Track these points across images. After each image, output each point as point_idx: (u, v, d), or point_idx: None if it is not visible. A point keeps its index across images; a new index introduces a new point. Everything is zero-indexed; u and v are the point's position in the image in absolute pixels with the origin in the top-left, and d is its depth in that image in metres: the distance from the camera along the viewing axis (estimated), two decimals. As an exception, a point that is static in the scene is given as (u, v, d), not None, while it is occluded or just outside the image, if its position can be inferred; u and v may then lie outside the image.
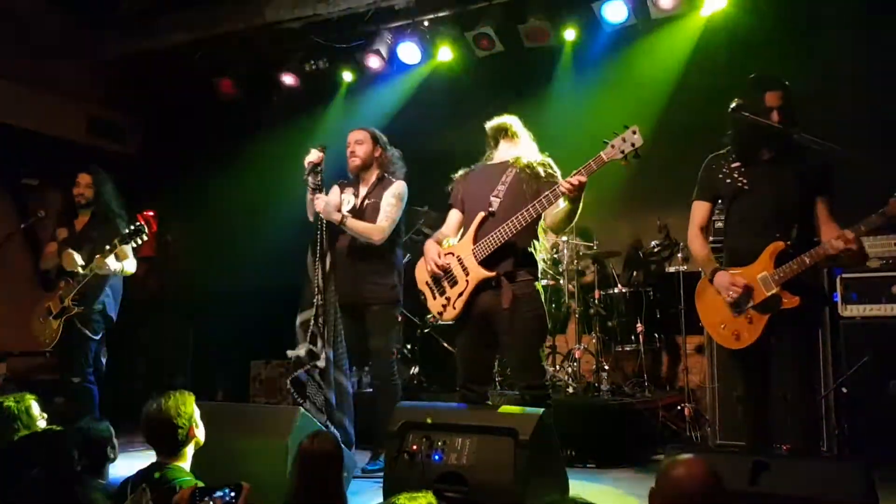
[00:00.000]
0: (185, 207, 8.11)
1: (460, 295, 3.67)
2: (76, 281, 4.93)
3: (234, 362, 7.37)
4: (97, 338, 5.04)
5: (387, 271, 4.55)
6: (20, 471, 1.84)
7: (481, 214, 3.71)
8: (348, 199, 4.61)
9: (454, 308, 3.70)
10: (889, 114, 5.36)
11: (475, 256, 3.65)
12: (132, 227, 4.89)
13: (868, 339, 4.63)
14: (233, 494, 2.19)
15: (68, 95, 7.58)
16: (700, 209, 3.61)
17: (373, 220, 4.48)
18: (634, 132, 3.34)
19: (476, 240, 3.69)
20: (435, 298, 3.80)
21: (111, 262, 4.95)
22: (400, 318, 6.58)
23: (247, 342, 7.30)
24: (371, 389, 4.69)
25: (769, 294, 3.28)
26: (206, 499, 2.15)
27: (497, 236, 3.60)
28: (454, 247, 3.78)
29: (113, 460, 3.21)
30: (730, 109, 3.45)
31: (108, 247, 4.88)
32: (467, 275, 3.66)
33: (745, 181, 3.42)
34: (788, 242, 3.29)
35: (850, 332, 4.73)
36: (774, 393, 3.40)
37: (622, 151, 3.34)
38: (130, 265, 5.15)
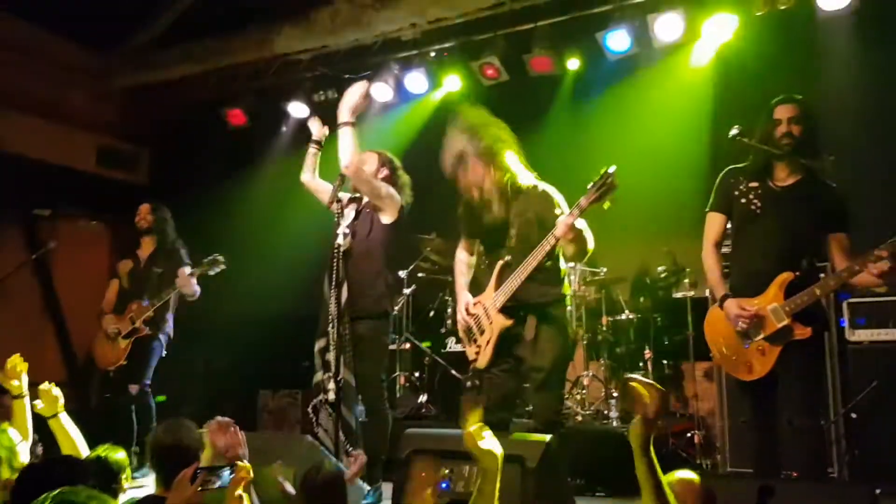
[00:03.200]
0: (194, 236, 8.15)
1: (488, 343, 3.74)
2: (151, 304, 5.38)
3: (242, 391, 7.37)
4: (159, 357, 5.54)
5: (374, 279, 4.38)
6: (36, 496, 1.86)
7: (500, 263, 3.74)
8: (349, 215, 4.52)
9: (486, 355, 3.77)
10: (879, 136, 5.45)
11: (496, 305, 3.71)
12: (212, 257, 5.48)
13: (876, 364, 4.61)
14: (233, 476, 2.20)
15: (78, 125, 7.68)
16: (715, 222, 3.56)
17: (363, 231, 4.36)
18: (608, 176, 3.30)
19: (497, 287, 3.74)
20: (469, 346, 3.88)
21: (194, 285, 5.44)
22: (407, 346, 6.65)
23: (255, 371, 7.31)
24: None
25: (780, 325, 3.27)
26: (208, 475, 2.15)
27: (511, 284, 3.65)
28: (482, 296, 3.85)
29: (125, 490, 3.21)
30: (729, 136, 3.47)
31: (194, 269, 5.44)
32: (491, 323, 3.73)
33: (758, 205, 3.39)
34: (798, 273, 3.27)
35: (857, 358, 4.71)
36: (781, 419, 3.38)
37: (601, 196, 3.31)
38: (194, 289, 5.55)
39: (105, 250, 8.23)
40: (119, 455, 3.01)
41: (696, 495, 2.08)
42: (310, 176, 4.62)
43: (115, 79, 7.84)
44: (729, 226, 3.63)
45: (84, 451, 3.22)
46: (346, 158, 4.15)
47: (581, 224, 3.45)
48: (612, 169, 3.26)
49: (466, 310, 3.84)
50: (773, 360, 3.29)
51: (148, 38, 7.59)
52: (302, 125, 7.59)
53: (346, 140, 4.15)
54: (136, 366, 5.46)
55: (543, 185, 3.77)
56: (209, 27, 7.20)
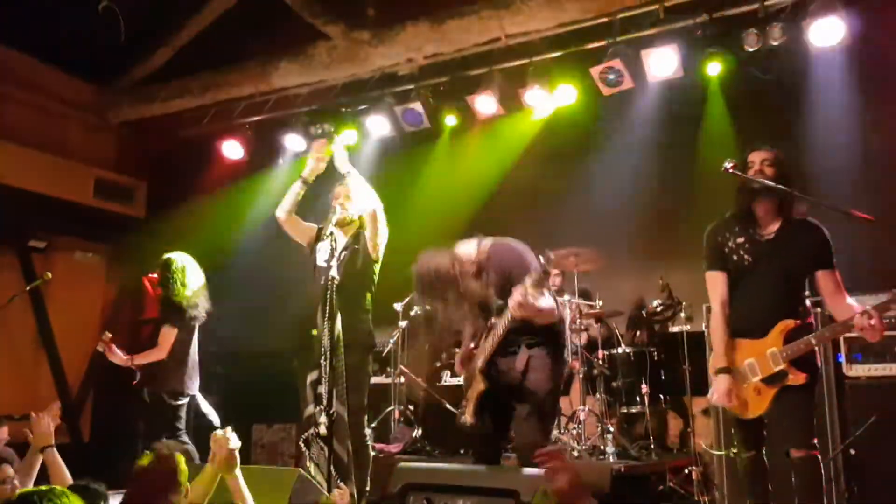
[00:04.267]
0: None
1: (471, 400, 3.97)
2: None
3: (235, 425, 7.29)
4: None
5: (364, 314, 4.50)
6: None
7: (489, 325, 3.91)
8: (324, 248, 4.53)
9: (469, 411, 3.99)
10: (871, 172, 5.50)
11: (480, 367, 3.91)
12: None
13: (874, 399, 4.59)
14: None
15: (75, 158, 7.72)
16: (718, 281, 3.62)
17: (353, 266, 4.45)
18: (547, 259, 3.49)
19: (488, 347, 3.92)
20: (464, 398, 4.09)
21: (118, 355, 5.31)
22: (402, 380, 6.61)
23: (249, 405, 7.24)
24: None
25: (776, 369, 3.39)
26: None
27: (490, 344, 3.85)
28: (478, 350, 3.99)
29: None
30: (723, 169, 3.55)
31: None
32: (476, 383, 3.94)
33: (749, 258, 3.52)
34: (798, 322, 3.40)
35: (855, 393, 4.69)
36: (773, 455, 3.48)
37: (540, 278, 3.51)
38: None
39: (100, 282, 8.22)
40: (99, 487, 2.97)
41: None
42: (286, 216, 4.64)
43: (112, 112, 7.90)
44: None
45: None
46: (373, 203, 4.43)
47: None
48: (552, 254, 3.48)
49: (461, 361, 4.08)
50: (768, 401, 3.42)
51: (146, 72, 7.66)
52: (299, 158, 7.66)
53: (365, 184, 4.46)
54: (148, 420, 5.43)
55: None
56: (207, 61, 7.27)
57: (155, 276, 5.70)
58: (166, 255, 5.58)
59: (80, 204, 7.74)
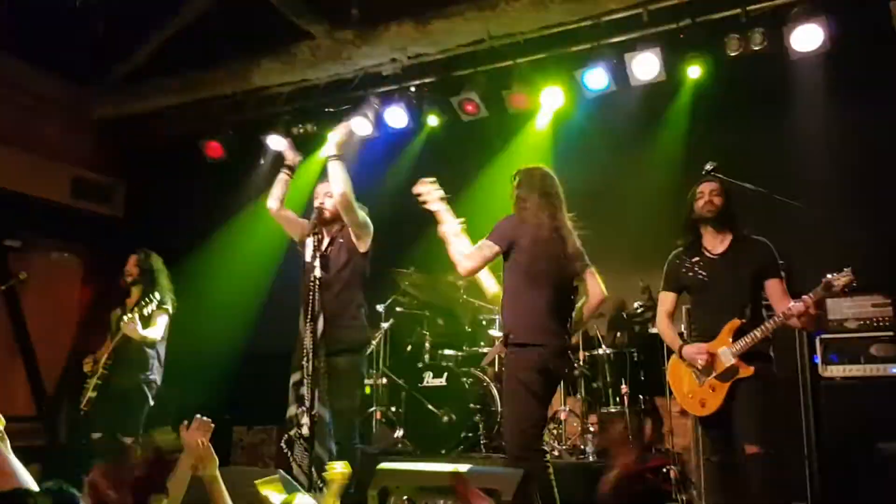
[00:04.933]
0: (170, 270, 8.09)
1: None
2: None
3: (216, 427, 7.24)
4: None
5: (355, 313, 4.40)
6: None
7: None
8: (311, 244, 4.49)
9: None
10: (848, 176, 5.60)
11: None
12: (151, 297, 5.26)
13: (849, 400, 4.66)
14: None
15: (52, 156, 7.60)
16: (667, 299, 4.12)
17: (338, 261, 4.41)
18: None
19: None
20: None
21: (138, 330, 5.18)
22: (384, 381, 6.60)
23: (229, 407, 7.20)
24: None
25: (728, 365, 3.74)
26: None
27: None
28: None
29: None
30: (704, 172, 3.88)
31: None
32: None
33: (704, 274, 3.92)
34: (744, 320, 3.76)
35: (830, 393, 4.76)
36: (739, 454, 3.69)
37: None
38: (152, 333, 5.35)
39: (77, 283, 8.12)
40: (72, 489, 2.92)
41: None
42: (277, 205, 4.58)
43: (91, 110, 7.81)
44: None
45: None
46: (341, 187, 4.29)
47: None
48: None
49: None
50: (723, 396, 3.75)
51: (126, 71, 7.59)
52: (281, 158, 7.63)
53: (339, 170, 4.34)
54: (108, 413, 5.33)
55: None
56: (188, 60, 7.22)
57: (133, 273, 5.65)
58: (142, 251, 5.63)
59: (58, 203, 7.64)
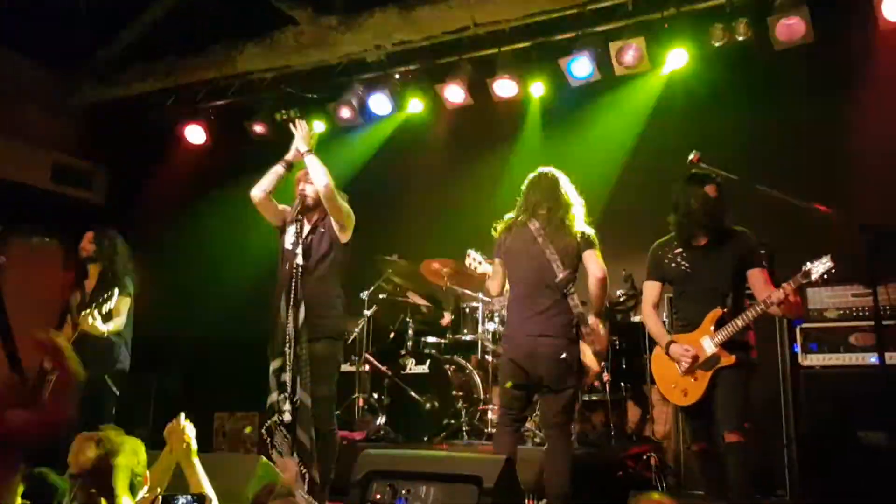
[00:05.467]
0: (152, 256, 8.05)
1: None
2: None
3: (196, 414, 7.21)
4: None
5: (333, 301, 4.38)
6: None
7: None
8: (292, 232, 4.47)
9: None
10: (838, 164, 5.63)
11: None
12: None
13: (828, 389, 4.71)
14: None
15: (33, 142, 7.53)
16: (652, 289, 4.12)
17: (319, 251, 4.36)
18: None
19: None
20: None
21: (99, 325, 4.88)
22: (367, 368, 6.60)
23: (210, 393, 7.18)
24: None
25: (710, 354, 3.78)
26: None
27: None
28: None
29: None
30: (689, 161, 3.86)
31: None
32: None
33: (687, 265, 3.96)
34: (725, 310, 3.80)
35: (810, 382, 4.80)
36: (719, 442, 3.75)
37: None
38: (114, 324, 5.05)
39: (58, 269, 8.05)
40: (58, 476, 2.91)
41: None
42: (264, 195, 4.48)
43: (73, 95, 7.74)
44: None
45: None
46: (324, 180, 4.26)
47: None
48: None
49: None
50: (705, 386, 3.78)
51: (108, 56, 7.51)
52: (263, 144, 7.59)
53: (317, 164, 4.32)
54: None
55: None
56: (170, 45, 7.15)
57: (89, 249, 5.47)
58: (100, 229, 5.40)
59: (38, 188, 7.57)
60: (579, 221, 4.16)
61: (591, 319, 4.10)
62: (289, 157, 4.49)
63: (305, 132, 4.43)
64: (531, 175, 4.33)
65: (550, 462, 4.03)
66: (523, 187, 4.30)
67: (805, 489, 4.65)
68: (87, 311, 4.85)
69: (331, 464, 4.25)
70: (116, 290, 4.98)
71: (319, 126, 4.53)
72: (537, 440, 5.59)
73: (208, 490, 2.97)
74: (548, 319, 4.03)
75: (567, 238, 4.10)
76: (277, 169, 4.50)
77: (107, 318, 4.98)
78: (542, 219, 4.15)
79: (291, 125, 4.52)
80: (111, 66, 7.54)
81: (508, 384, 4.10)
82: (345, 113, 6.99)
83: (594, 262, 4.10)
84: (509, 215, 4.30)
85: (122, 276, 5.25)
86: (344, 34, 6.38)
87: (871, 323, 4.58)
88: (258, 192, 4.48)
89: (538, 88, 6.56)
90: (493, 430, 5.77)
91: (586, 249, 4.09)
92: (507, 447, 3.95)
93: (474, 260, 4.50)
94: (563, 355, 3.94)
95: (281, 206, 4.56)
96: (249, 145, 7.63)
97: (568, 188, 4.25)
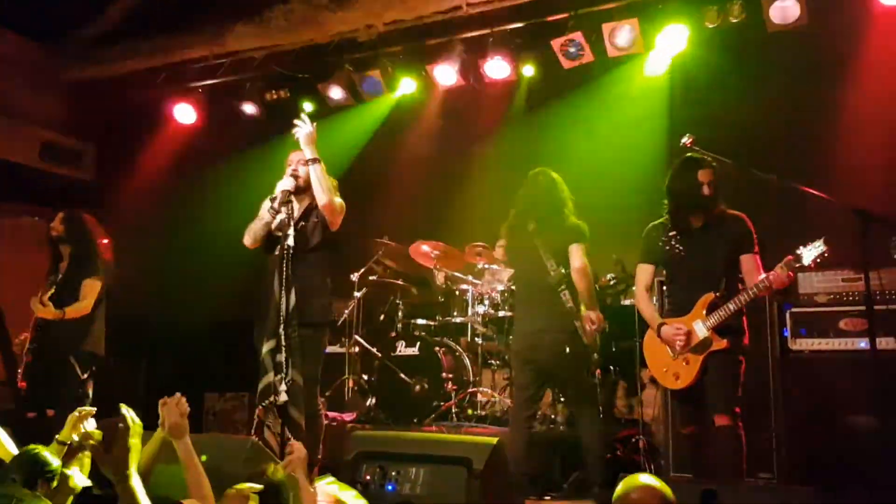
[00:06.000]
0: (141, 236, 8.00)
1: None
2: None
3: (187, 394, 7.20)
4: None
5: (321, 289, 4.43)
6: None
7: None
8: (283, 213, 4.42)
9: None
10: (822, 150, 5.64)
11: None
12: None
13: (817, 373, 4.73)
14: None
15: (21, 119, 7.44)
16: (645, 272, 4.15)
17: (313, 238, 4.36)
18: None
19: None
20: None
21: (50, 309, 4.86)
22: (356, 350, 6.60)
23: (201, 374, 7.17)
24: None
25: (702, 338, 3.80)
26: None
27: None
28: None
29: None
30: (682, 144, 3.85)
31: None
32: None
33: (681, 248, 3.96)
34: (717, 294, 3.81)
35: (799, 366, 4.82)
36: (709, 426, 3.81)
37: None
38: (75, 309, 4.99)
39: (47, 248, 7.98)
40: (47, 454, 2.88)
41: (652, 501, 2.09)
42: (253, 242, 4.46)
43: (61, 72, 7.64)
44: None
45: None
46: (326, 197, 4.29)
47: None
48: None
49: None
50: (697, 369, 3.81)
51: (97, 32, 7.41)
52: (253, 124, 7.54)
53: (322, 175, 4.31)
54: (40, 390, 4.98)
55: None
56: (159, 22, 7.07)
57: (105, 241, 5.45)
58: (71, 210, 5.32)
59: (26, 166, 7.49)
60: (572, 218, 4.45)
61: (583, 310, 4.42)
62: (276, 204, 4.23)
63: (309, 134, 4.33)
64: (528, 175, 4.61)
65: (584, 434, 4.53)
66: (520, 189, 4.60)
67: (793, 472, 4.68)
68: (35, 297, 4.89)
69: (318, 443, 4.29)
70: (85, 279, 4.99)
71: (305, 118, 4.38)
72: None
73: (198, 465, 2.97)
74: (545, 315, 4.43)
75: (561, 236, 4.43)
76: (265, 215, 4.37)
77: (70, 300, 4.95)
78: (538, 220, 4.49)
79: (295, 128, 4.39)
80: (100, 42, 7.45)
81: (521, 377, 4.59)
82: (335, 93, 6.93)
83: (575, 255, 4.42)
84: (511, 216, 4.64)
85: (92, 258, 5.18)
86: (335, 13, 6.31)
87: (861, 308, 4.59)
88: (247, 240, 4.50)
89: (530, 70, 6.52)
90: (483, 413, 5.83)
91: (572, 243, 4.38)
92: (522, 443, 4.43)
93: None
94: (566, 349, 4.38)
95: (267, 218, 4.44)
96: (239, 125, 7.58)
97: (562, 187, 4.54)
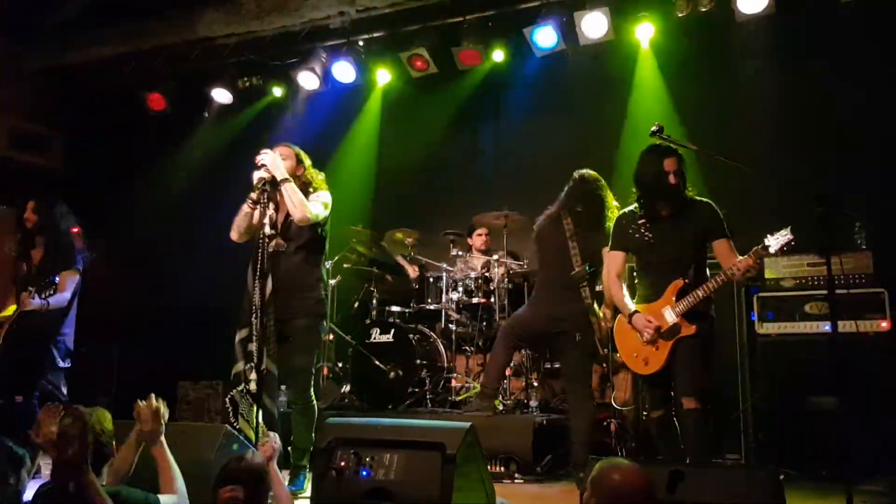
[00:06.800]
0: (112, 223, 7.93)
1: None
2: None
3: (160, 383, 7.16)
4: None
5: (313, 285, 4.44)
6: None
7: None
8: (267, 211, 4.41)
9: None
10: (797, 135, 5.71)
11: None
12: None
13: (783, 356, 4.83)
14: None
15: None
16: (615, 259, 4.17)
17: (300, 236, 4.38)
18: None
19: None
20: None
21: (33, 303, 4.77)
22: (331, 337, 6.62)
23: (174, 362, 7.13)
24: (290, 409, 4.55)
25: (671, 323, 3.85)
26: None
27: None
28: None
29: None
30: (651, 133, 3.86)
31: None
32: None
33: (650, 236, 4.00)
34: (686, 280, 3.87)
35: (766, 349, 4.93)
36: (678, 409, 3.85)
37: None
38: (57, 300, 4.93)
39: (15, 237, 7.88)
40: (19, 448, 2.87)
41: (639, 485, 2.13)
42: (239, 236, 4.42)
43: (28, 60, 7.52)
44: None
45: None
46: (301, 212, 4.23)
47: None
48: None
49: None
50: (665, 355, 3.86)
51: (63, 19, 7.30)
52: (224, 111, 7.49)
53: (295, 192, 4.24)
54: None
55: None
56: (128, 9, 6.97)
57: (75, 229, 5.38)
58: (42, 198, 5.24)
59: (-3, 155, 7.40)
60: (610, 224, 4.44)
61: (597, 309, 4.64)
62: (253, 195, 4.25)
63: (272, 159, 4.25)
64: (574, 174, 4.71)
65: (574, 416, 4.69)
66: (567, 185, 4.71)
67: (760, 453, 4.79)
68: (26, 292, 4.77)
69: (311, 433, 4.33)
70: (62, 271, 4.94)
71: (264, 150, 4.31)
72: (500, 408, 5.68)
73: (174, 469, 2.97)
74: (564, 305, 4.64)
75: (595, 237, 4.56)
76: (244, 208, 4.34)
77: (46, 289, 4.85)
78: (575, 216, 4.65)
79: (257, 165, 4.26)
80: (67, 29, 7.33)
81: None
82: (308, 80, 6.91)
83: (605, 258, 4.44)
84: (550, 208, 4.80)
85: (68, 248, 5.14)
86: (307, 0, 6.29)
87: (826, 292, 4.70)
88: (233, 234, 4.44)
89: (500, 56, 6.55)
90: (457, 398, 5.88)
91: (604, 246, 4.39)
92: (502, 357, 5.08)
93: None
94: (577, 336, 4.59)
95: (246, 211, 4.39)
96: (211, 112, 7.52)
97: (607, 192, 4.66)
